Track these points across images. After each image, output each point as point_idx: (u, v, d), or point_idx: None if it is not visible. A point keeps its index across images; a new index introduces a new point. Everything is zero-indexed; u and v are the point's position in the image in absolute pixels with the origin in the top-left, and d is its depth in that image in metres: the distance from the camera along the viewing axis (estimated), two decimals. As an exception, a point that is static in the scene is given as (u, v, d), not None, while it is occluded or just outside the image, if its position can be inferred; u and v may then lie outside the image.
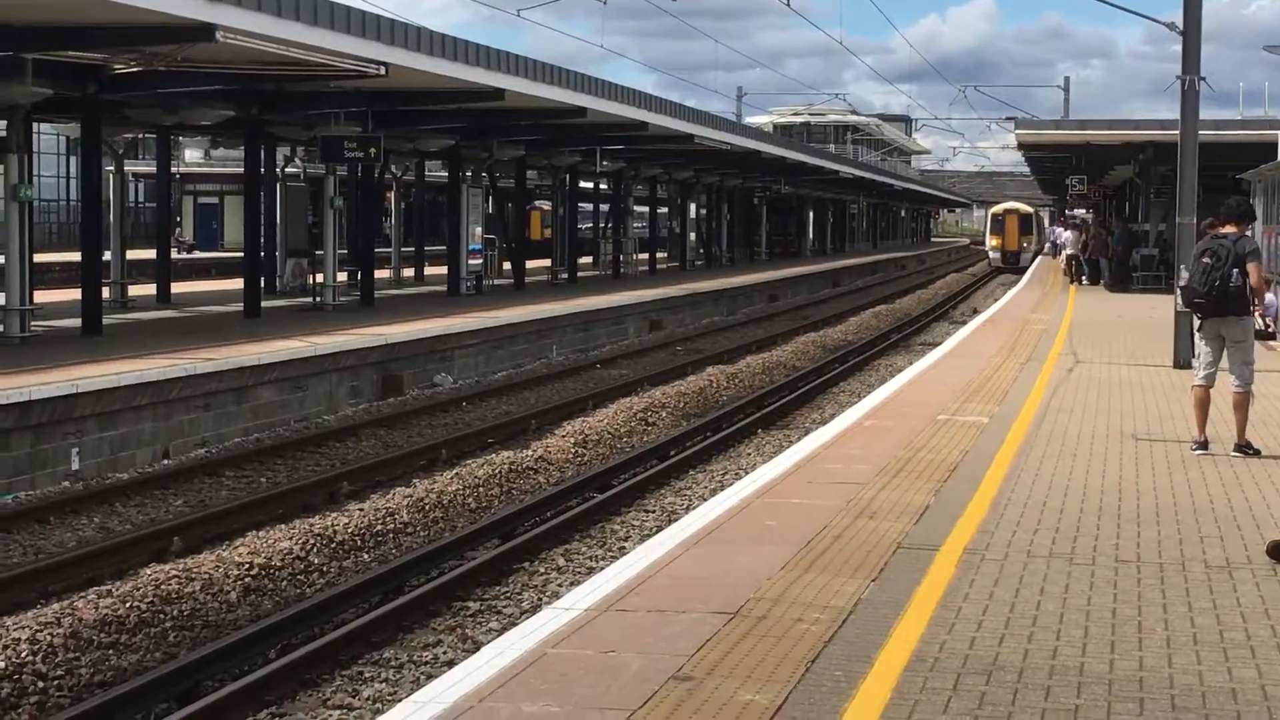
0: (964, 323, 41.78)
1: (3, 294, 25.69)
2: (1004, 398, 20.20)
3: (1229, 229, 15.62)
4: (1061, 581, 10.03)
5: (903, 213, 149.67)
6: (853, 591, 9.69)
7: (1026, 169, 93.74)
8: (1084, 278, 54.99)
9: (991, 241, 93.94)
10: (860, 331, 44.39)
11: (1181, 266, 16.76)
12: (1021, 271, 73.87)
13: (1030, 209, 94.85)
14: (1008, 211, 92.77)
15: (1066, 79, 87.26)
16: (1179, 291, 18.27)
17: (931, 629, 8.85)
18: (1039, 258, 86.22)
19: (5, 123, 25.66)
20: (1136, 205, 54.58)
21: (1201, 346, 15.93)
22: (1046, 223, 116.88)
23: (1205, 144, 26.79)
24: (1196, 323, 16.11)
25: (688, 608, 9.30)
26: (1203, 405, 15.74)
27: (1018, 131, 52.03)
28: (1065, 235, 63.60)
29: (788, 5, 52.04)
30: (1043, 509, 12.45)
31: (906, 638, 8.66)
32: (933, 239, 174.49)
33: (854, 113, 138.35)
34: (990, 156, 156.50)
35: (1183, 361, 22.83)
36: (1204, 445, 15.60)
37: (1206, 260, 15.51)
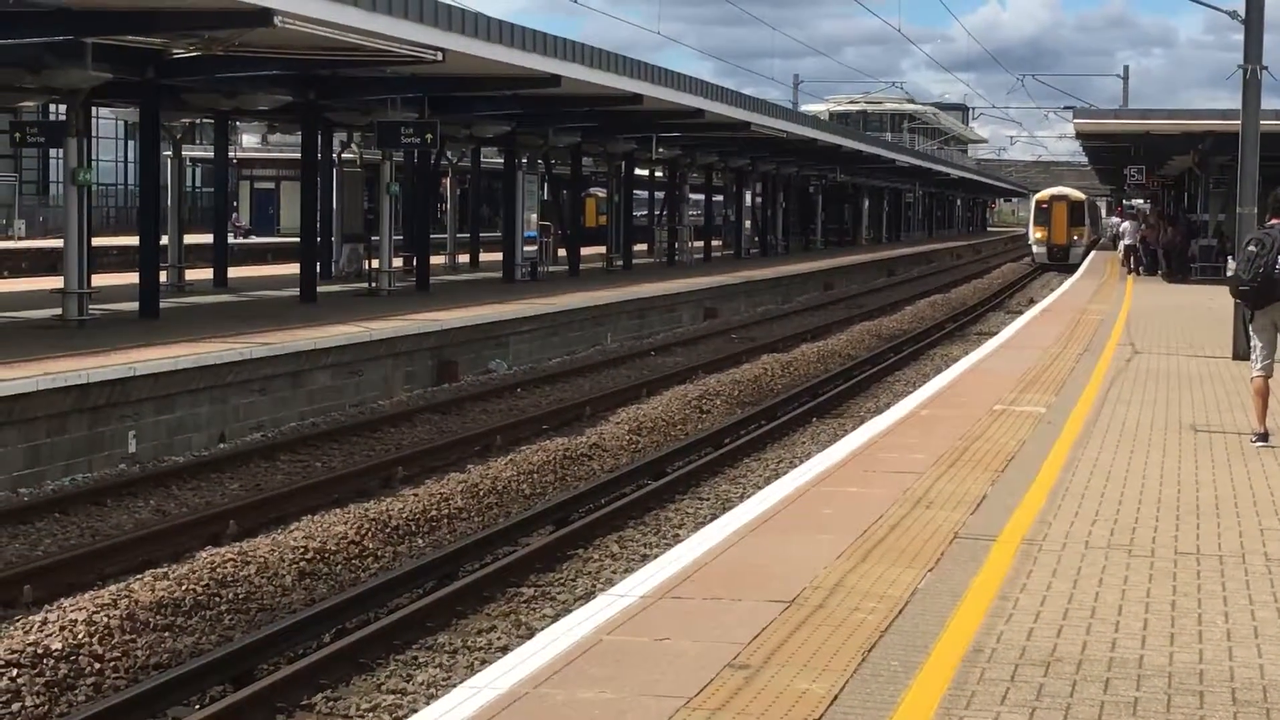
0: (1020, 313, 41.58)
1: (61, 277, 25.81)
2: (1061, 388, 20.08)
3: (1275, 221, 15.52)
4: (1120, 573, 9.96)
5: (958, 202, 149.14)
6: (909, 581, 9.63)
7: (1084, 159, 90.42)
8: (1141, 268, 54.63)
9: (1035, 234, 79.35)
10: (915, 321, 44.24)
11: (1229, 258, 16.64)
12: (1071, 269, 65.36)
13: (1082, 195, 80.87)
14: (1054, 198, 78.39)
15: (1126, 68, 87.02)
16: (1229, 282, 18.13)
17: (989, 619, 8.79)
18: (1093, 252, 78.35)
19: (65, 107, 25.77)
20: (1195, 196, 54.19)
21: (1255, 338, 15.80)
22: (1104, 212, 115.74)
23: (1267, 134, 26.55)
24: (1248, 315, 15.98)
25: (743, 596, 9.26)
26: (1263, 396, 15.62)
27: (1076, 121, 51.71)
28: (1124, 225, 63.17)
29: (845, -7, 51.79)
30: (1101, 500, 12.36)
31: (964, 628, 8.60)
32: (989, 229, 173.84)
33: (911, 101, 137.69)
34: (1048, 146, 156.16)
35: (1241, 352, 22.64)
36: (1264, 437, 15.46)
37: (1252, 249, 15.43)
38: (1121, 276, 53.39)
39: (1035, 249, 79.52)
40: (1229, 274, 16.46)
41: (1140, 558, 10.40)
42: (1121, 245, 61.51)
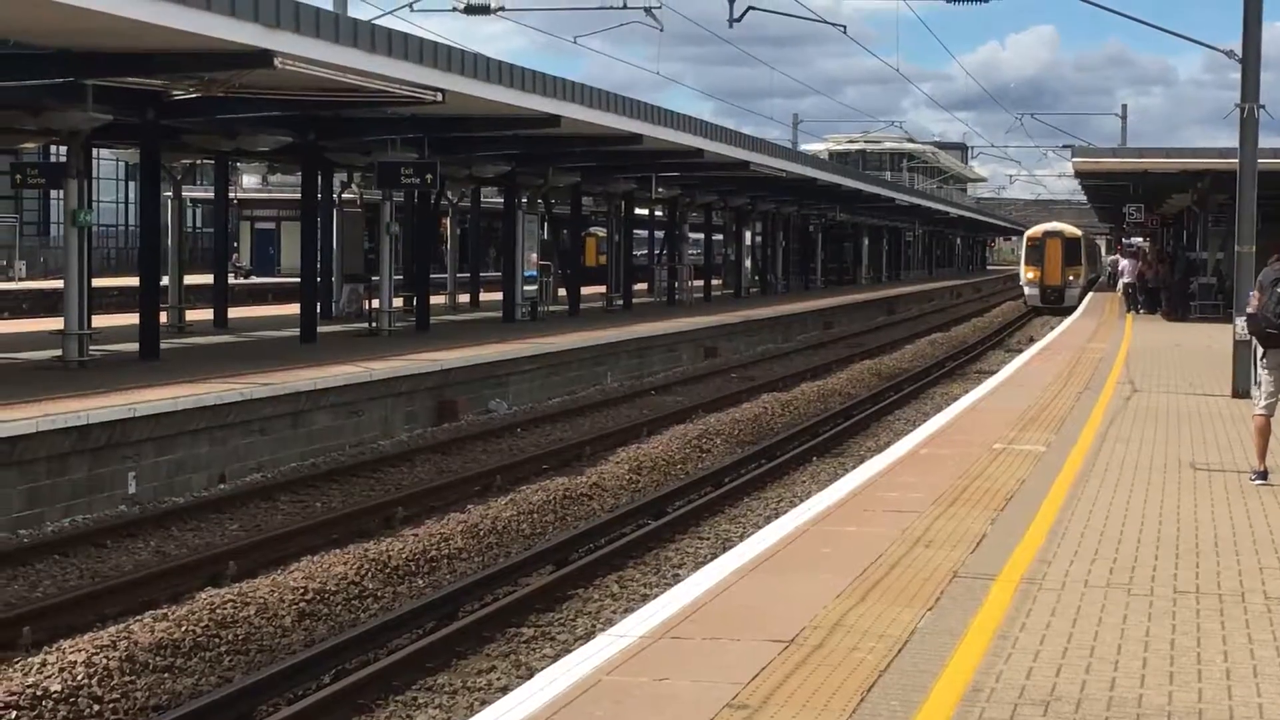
0: (1020, 351, 41.58)
1: (62, 318, 25.83)
2: (1061, 426, 20.10)
3: None
4: (1119, 612, 9.96)
5: (958, 241, 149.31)
6: (909, 620, 9.64)
7: (1083, 197, 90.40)
8: (1141, 306, 54.68)
9: (1027, 274, 72.92)
10: (915, 359, 44.26)
11: (1251, 293, 16.59)
12: (1066, 313, 60.27)
13: (1078, 231, 75.35)
14: (1048, 235, 72.51)
15: (1124, 106, 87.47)
16: (1244, 319, 18.13)
17: (988, 659, 8.79)
18: (1090, 293, 74.09)
19: (66, 148, 25.83)
20: (1194, 234, 54.28)
21: (1264, 375, 15.81)
22: (1103, 250, 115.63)
23: (1265, 172, 26.61)
24: (1259, 351, 16.00)
25: (743, 636, 9.26)
26: (1263, 434, 15.63)
27: (1075, 160, 51.81)
28: (1123, 263, 63.18)
29: (844, 32, 52.04)
30: (1100, 538, 12.37)
31: (963, 667, 8.60)
32: (988, 267, 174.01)
33: (910, 140, 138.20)
34: (1047, 185, 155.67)
35: (1241, 390, 22.67)
36: (1264, 475, 15.47)
37: None
38: (1121, 315, 53.43)
39: (1027, 290, 73.28)
40: (1248, 312, 16.41)
41: (1140, 596, 10.41)
42: (1121, 283, 61.54)
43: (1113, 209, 74.34)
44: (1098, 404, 23.01)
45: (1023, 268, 74.49)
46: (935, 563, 11.34)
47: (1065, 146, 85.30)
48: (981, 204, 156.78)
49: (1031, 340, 47.64)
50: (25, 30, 20.44)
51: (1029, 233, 75.97)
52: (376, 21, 28.31)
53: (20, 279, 64.10)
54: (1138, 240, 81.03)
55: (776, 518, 16.00)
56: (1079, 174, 57.43)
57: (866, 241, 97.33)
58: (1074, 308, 62.58)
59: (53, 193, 60.17)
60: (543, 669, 9.75)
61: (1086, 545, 12.07)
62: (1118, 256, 78.05)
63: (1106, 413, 21.83)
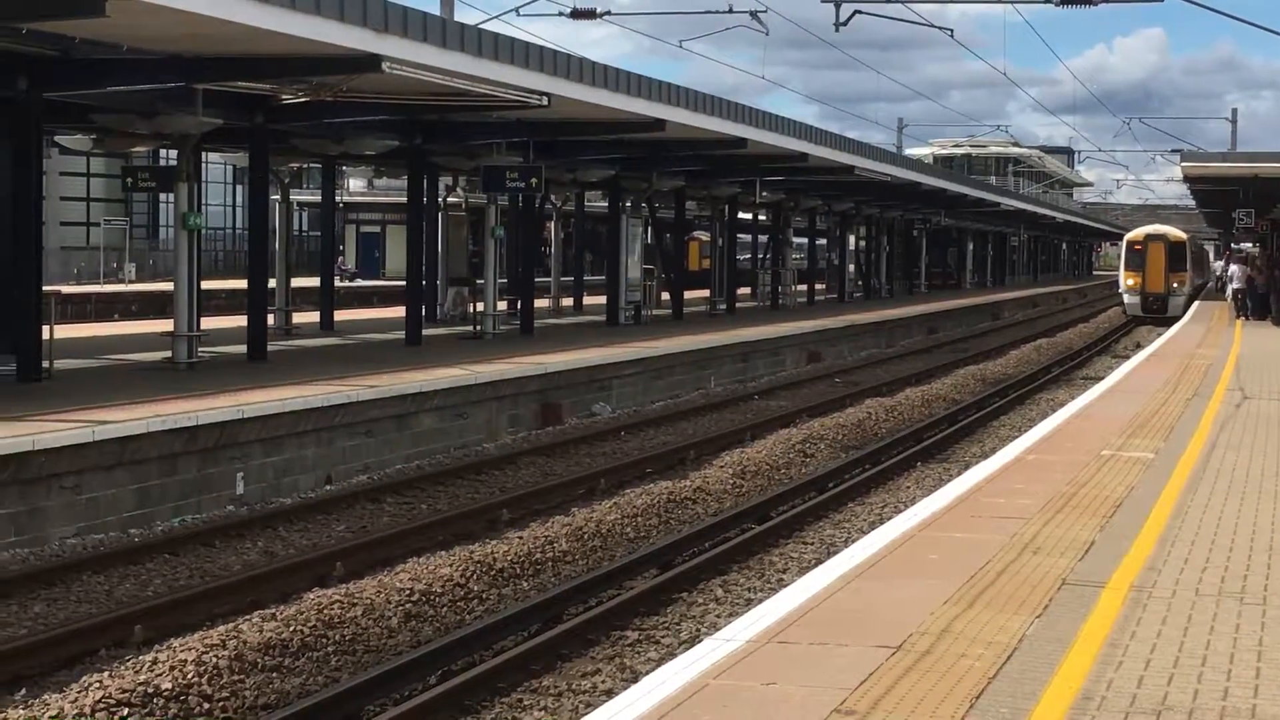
0: (1127, 357, 41.24)
1: (171, 320, 26.11)
2: (1170, 433, 19.89)
3: None
4: (1232, 620, 9.85)
5: (1063, 246, 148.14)
6: (1017, 628, 9.57)
7: (1191, 202, 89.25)
8: (1250, 313, 54.02)
9: (1127, 280, 67.21)
10: (1020, 365, 43.95)
11: None
12: (1169, 323, 56.31)
13: (1183, 234, 69.02)
14: (1150, 238, 66.73)
15: (1234, 110, 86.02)
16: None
17: (1098, 667, 8.71)
18: (1196, 302, 68.47)
19: (176, 152, 26.11)
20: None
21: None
22: (1211, 257, 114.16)
23: (1379, 177, 26.22)
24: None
25: (850, 641, 9.23)
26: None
27: (1183, 164, 51.26)
28: (1232, 269, 62.35)
29: (951, 36, 51.71)
30: (1211, 546, 12.24)
31: (1073, 675, 8.53)
32: (1094, 272, 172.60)
33: (1016, 145, 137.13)
34: (1154, 189, 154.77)
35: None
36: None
37: None
38: (1230, 321, 52.82)
39: (1127, 299, 67.75)
40: None
41: (1252, 605, 10.28)
42: (1230, 289, 60.73)
43: (1221, 214, 73.39)
44: (1207, 411, 22.76)
45: (1122, 273, 68.87)
46: (1044, 570, 11.25)
47: (1174, 151, 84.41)
48: (1087, 209, 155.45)
49: (1139, 346, 47.21)
50: (139, 36, 20.67)
51: (1129, 235, 69.85)
52: (482, 26, 28.39)
53: (130, 281, 64.90)
54: (1247, 246, 80.00)
55: (881, 523, 15.95)
56: (1188, 178, 56.76)
57: (971, 246, 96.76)
58: (1177, 318, 58.65)
59: (162, 196, 61.04)
60: (647, 672, 9.76)
61: (1197, 553, 11.94)
62: (1226, 262, 76.27)
63: (1216, 419, 21.59)
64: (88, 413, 18.47)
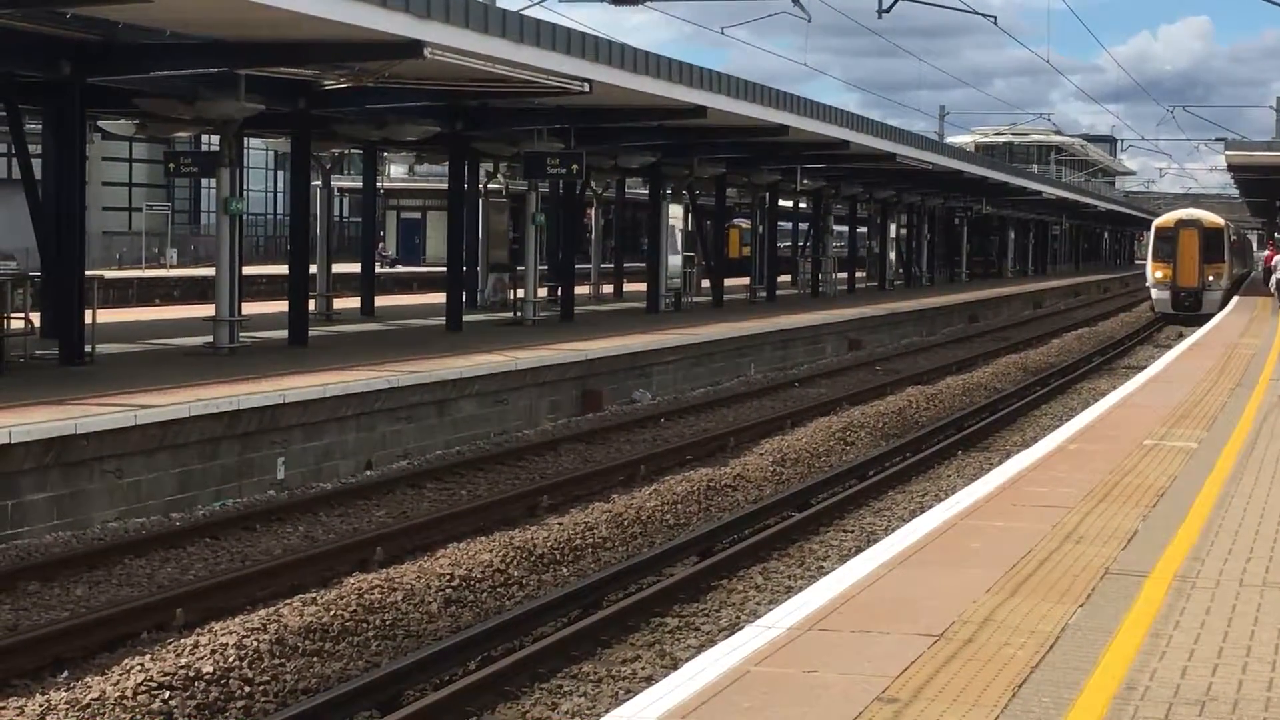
0: (1169, 346, 41.05)
1: (212, 305, 26.18)
2: (1213, 423, 19.79)
3: None
4: (1276, 611, 9.79)
5: (1105, 235, 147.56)
6: (1060, 616, 9.52)
7: (1235, 191, 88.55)
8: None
9: (1155, 272, 58.37)
10: (1062, 354, 43.80)
11: None
12: (1203, 320, 49.42)
13: (1220, 220, 59.49)
14: (1183, 224, 57.89)
15: (1279, 98, 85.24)
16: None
17: (1142, 657, 8.66)
18: (1236, 297, 60.92)
19: (218, 137, 26.17)
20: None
21: None
22: (1255, 246, 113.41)
23: None
24: None
25: (891, 629, 9.20)
26: None
27: (1227, 153, 51.05)
28: (1276, 259, 61.90)
29: (994, 23, 51.59)
30: (1255, 536, 12.17)
31: (1116, 665, 8.48)
32: (1136, 261, 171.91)
33: (1058, 133, 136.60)
34: (1198, 178, 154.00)
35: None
36: None
37: None
38: (1274, 311, 52.49)
39: (1155, 293, 58.90)
40: None
41: (1297, 596, 10.21)
42: (1274, 279, 60.22)
43: (1266, 204, 72.98)
44: (1250, 401, 22.64)
45: (1149, 264, 59.57)
46: (1086, 559, 11.20)
47: (1218, 139, 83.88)
48: (1130, 198, 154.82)
49: (1181, 336, 46.97)
50: (182, 21, 20.73)
51: (1158, 221, 60.79)
52: (524, 12, 28.36)
53: (171, 266, 65.11)
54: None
55: (922, 511, 15.90)
56: (1231, 167, 56.44)
57: (1012, 235, 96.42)
58: (1212, 314, 51.74)
59: (204, 181, 61.23)
60: (687, 659, 9.74)
61: (1241, 543, 11.88)
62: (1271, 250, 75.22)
63: (1260, 410, 21.47)
64: (130, 397, 18.54)
